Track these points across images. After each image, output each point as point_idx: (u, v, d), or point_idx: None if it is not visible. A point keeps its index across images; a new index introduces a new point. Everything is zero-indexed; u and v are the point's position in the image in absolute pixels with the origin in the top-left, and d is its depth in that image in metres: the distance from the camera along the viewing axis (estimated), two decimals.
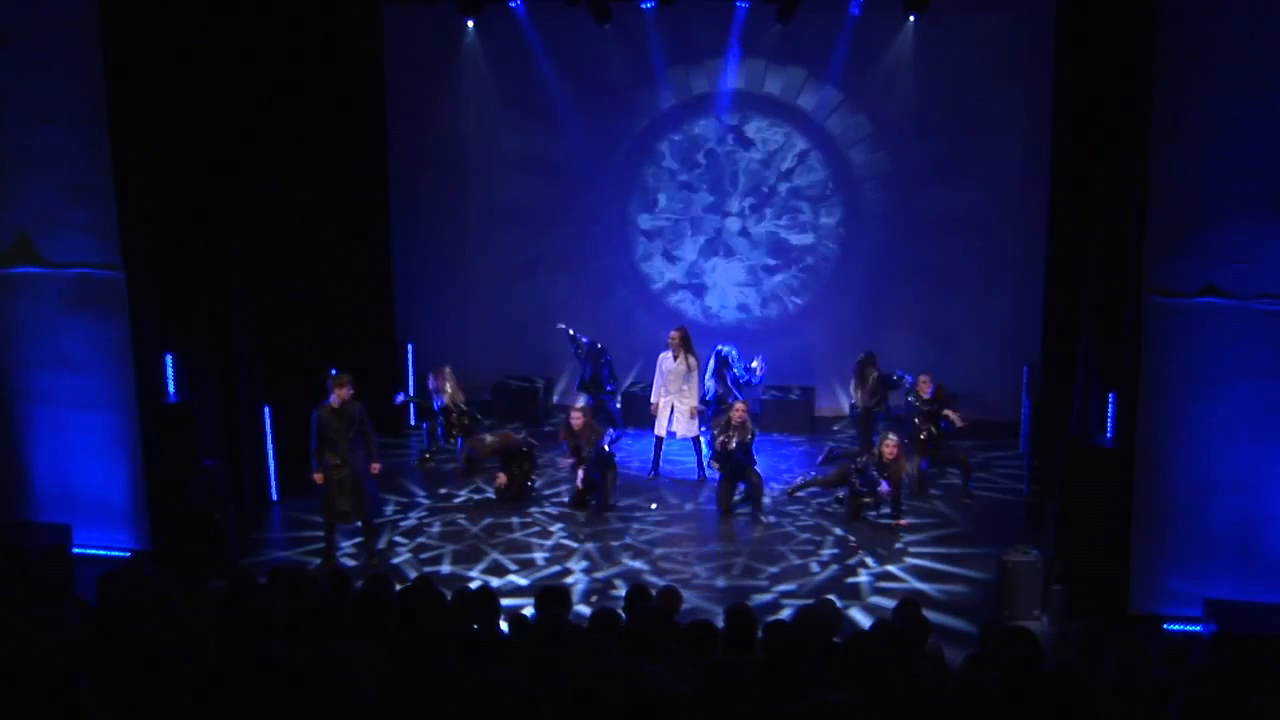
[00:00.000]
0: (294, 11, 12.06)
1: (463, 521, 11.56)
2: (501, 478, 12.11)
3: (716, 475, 12.11)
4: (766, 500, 11.81)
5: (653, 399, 13.12)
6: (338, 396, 10.24)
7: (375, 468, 10.46)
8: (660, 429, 12.99)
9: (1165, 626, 9.04)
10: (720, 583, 10.05)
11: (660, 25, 14.58)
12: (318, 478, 10.19)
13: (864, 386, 13.28)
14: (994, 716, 4.34)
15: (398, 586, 7.49)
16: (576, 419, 11.97)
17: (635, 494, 12.34)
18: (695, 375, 12.87)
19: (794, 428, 14.55)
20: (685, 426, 12.85)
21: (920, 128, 14.67)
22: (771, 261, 15.55)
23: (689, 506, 12.05)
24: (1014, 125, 14.32)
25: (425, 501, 12.19)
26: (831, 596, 9.21)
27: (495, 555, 10.70)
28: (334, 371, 10.72)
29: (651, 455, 13.06)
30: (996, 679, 4.45)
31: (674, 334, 12.98)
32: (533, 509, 11.89)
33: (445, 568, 10.44)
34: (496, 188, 15.85)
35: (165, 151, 10.31)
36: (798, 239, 15.44)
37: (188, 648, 4.34)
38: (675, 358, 12.88)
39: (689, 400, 12.81)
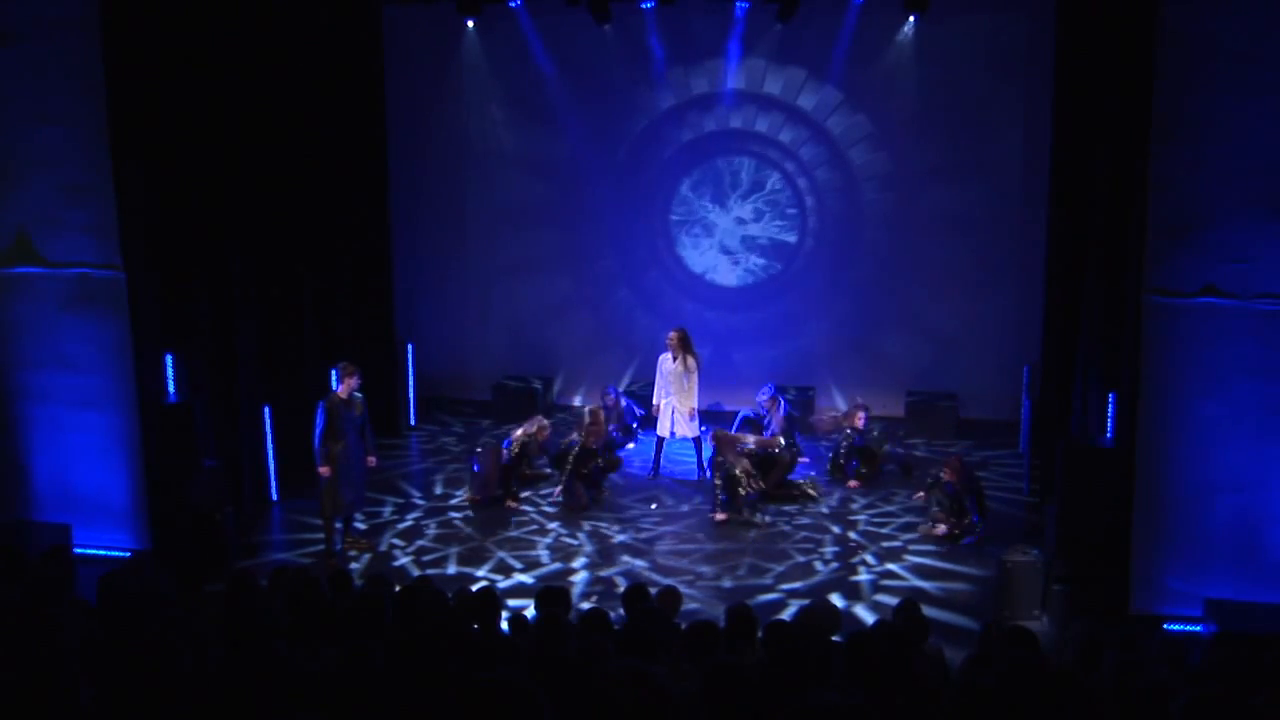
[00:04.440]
0: (294, 11, 12.06)
1: (459, 523, 11.58)
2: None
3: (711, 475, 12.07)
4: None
5: (654, 400, 13.10)
6: (345, 386, 10.30)
7: (371, 461, 10.62)
8: (662, 430, 12.98)
9: (1165, 626, 9.04)
10: (727, 583, 10.05)
11: (660, 25, 14.58)
12: (325, 470, 10.23)
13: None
14: (994, 716, 4.34)
15: (397, 587, 7.49)
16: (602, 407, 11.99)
17: (636, 494, 12.34)
18: (695, 376, 12.84)
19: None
20: (685, 427, 12.84)
21: (921, 127, 14.66)
22: (771, 262, 15.54)
23: (688, 507, 12.04)
24: (1014, 125, 14.30)
25: (421, 503, 12.19)
26: (834, 596, 9.24)
27: (501, 554, 10.70)
28: (338, 364, 10.72)
29: (652, 455, 13.06)
30: (996, 679, 4.44)
31: (672, 335, 12.96)
32: (527, 508, 11.92)
33: (451, 568, 10.44)
34: (496, 188, 15.85)
35: (165, 151, 10.30)
36: (798, 239, 15.43)
37: (188, 648, 4.34)
38: (674, 359, 12.87)
39: (689, 401, 12.79)
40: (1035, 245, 12.97)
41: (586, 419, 12.31)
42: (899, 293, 15.15)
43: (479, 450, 12.34)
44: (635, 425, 13.94)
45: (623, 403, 13.93)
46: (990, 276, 14.80)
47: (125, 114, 9.97)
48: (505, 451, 12.14)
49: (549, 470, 12.65)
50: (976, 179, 14.64)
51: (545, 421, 12.97)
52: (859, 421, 12.85)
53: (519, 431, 12.45)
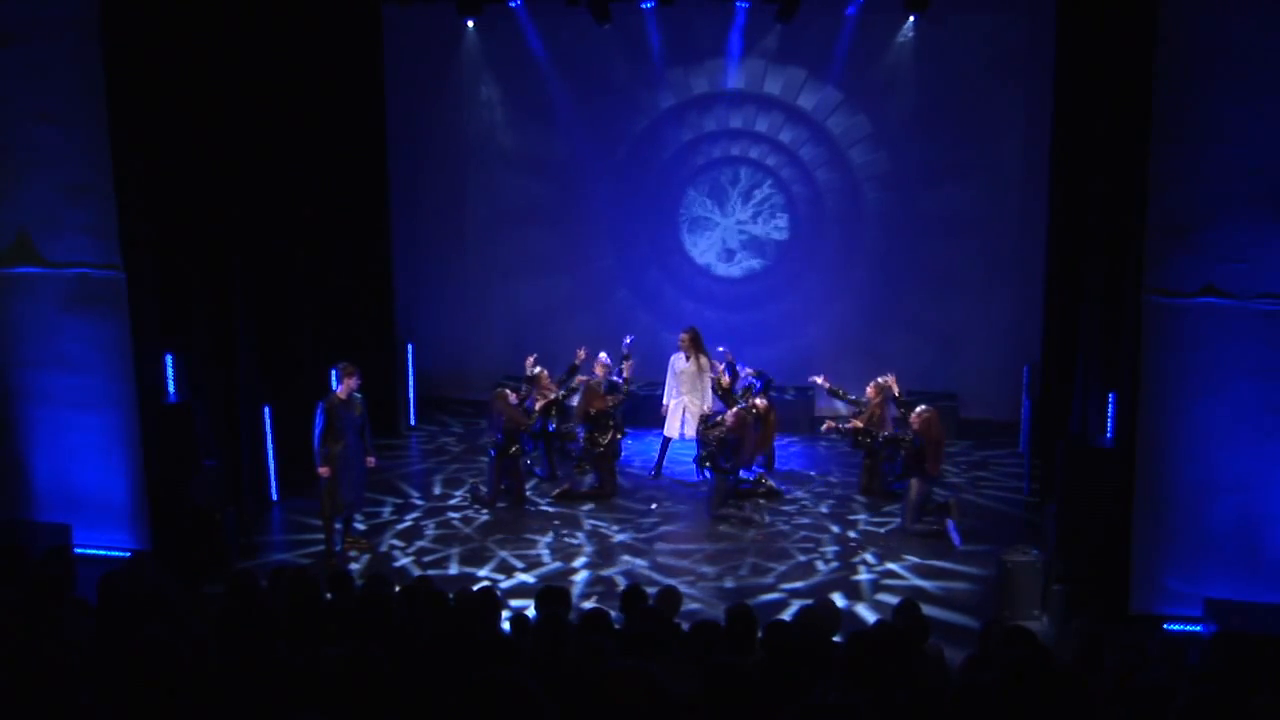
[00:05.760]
0: (294, 11, 12.06)
1: (458, 524, 11.58)
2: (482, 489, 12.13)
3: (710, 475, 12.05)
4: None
5: (664, 400, 13.07)
6: (345, 387, 10.30)
7: (370, 461, 10.61)
8: (671, 430, 12.95)
9: (1165, 626, 9.04)
10: (729, 583, 10.05)
11: (660, 25, 14.60)
12: (324, 470, 10.23)
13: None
14: (994, 716, 4.33)
15: (397, 587, 7.48)
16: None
17: (637, 494, 12.34)
18: (708, 376, 12.79)
19: (793, 428, 14.54)
20: (694, 428, 12.79)
21: (920, 127, 14.67)
22: (770, 262, 15.55)
23: (688, 507, 12.04)
24: (1014, 125, 14.32)
25: (421, 503, 12.19)
26: (835, 595, 9.22)
27: (503, 554, 10.70)
28: (338, 365, 10.70)
29: (656, 455, 13.04)
30: (996, 679, 4.44)
31: (684, 335, 12.95)
32: (529, 507, 11.93)
33: (453, 569, 10.43)
34: (496, 188, 15.86)
35: (165, 151, 10.30)
36: (797, 239, 15.43)
37: (188, 648, 4.34)
38: (687, 359, 12.84)
39: (701, 402, 12.75)
40: (1035, 245, 12.98)
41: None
42: (899, 293, 15.15)
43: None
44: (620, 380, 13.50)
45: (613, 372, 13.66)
46: (990, 276, 14.81)
47: (125, 114, 9.97)
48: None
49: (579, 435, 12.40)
50: (976, 179, 14.65)
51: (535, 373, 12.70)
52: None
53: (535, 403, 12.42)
